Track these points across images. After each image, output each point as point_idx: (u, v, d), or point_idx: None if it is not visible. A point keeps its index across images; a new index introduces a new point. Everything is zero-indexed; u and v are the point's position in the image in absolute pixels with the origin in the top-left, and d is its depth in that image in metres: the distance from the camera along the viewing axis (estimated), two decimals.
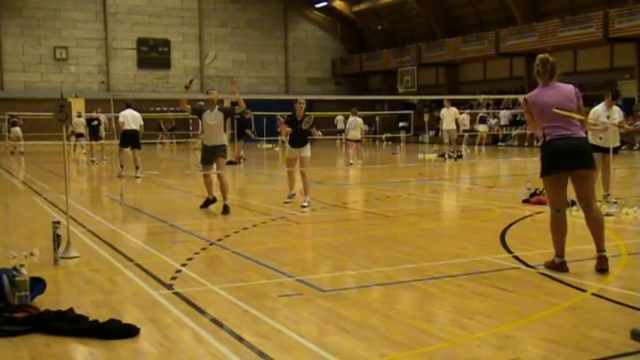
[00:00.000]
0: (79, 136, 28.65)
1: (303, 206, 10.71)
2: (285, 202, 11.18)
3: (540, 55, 6.22)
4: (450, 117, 22.28)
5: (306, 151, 11.22)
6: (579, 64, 32.63)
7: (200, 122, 10.47)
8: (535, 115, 6.09)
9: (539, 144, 6.15)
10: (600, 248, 6.07)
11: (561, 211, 6.14)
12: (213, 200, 10.74)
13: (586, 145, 6.15)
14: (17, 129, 29.14)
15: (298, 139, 11.18)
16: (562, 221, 6.13)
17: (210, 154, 10.60)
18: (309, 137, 11.31)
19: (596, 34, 29.03)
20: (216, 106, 10.67)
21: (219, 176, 10.59)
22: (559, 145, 5.93)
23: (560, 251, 6.13)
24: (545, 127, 5.99)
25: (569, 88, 6.13)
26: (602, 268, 6.00)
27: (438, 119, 24.12)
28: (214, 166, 10.66)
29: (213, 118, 10.52)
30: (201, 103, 11.15)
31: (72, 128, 27.65)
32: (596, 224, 6.07)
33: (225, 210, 10.25)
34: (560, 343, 4.19)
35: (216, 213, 10.88)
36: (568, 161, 5.94)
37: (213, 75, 43.96)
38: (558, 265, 6.10)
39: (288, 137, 11.39)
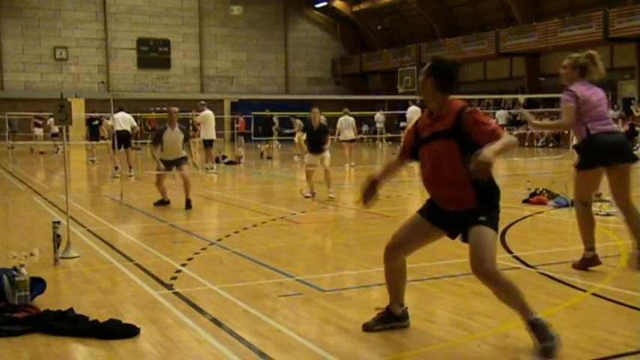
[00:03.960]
0: (54, 135, 29.65)
1: (331, 197, 11.78)
2: (306, 197, 11.99)
3: (591, 52, 6.32)
4: (416, 116, 21.83)
5: (327, 153, 12.16)
6: None
7: (161, 141, 10.97)
8: (581, 110, 5.98)
9: (580, 138, 6.08)
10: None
11: (588, 205, 6.22)
12: (168, 202, 11.15)
13: (625, 140, 6.27)
14: (39, 130, 29.68)
15: (317, 146, 12.06)
16: (591, 215, 6.24)
17: (173, 164, 11.04)
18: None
19: (596, 34, 29.01)
20: (177, 124, 11.04)
21: (183, 176, 10.95)
22: (605, 140, 5.97)
23: (590, 245, 6.16)
24: (589, 121, 5.97)
25: (601, 90, 6.24)
26: None
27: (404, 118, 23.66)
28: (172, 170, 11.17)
29: (174, 136, 10.91)
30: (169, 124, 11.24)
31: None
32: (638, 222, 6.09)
33: (188, 204, 10.69)
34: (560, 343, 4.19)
35: (216, 213, 10.88)
36: (612, 156, 5.99)
37: (213, 75, 43.96)
38: (590, 259, 6.14)
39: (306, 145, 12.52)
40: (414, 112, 21.72)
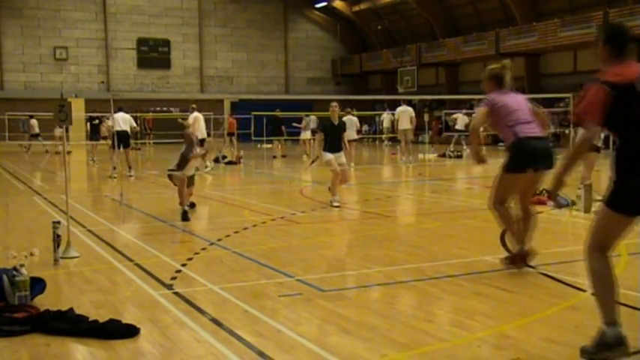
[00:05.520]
0: (35, 136, 29.68)
1: (336, 206, 10.73)
2: (336, 206, 10.76)
3: (505, 62, 6.44)
4: (405, 116, 21.58)
5: (343, 157, 11.24)
6: (579, 64, 32.60)
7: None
8: (501, 114, 6.11)
9: (509, 142, 6.10)
10: (522, 241, 6.23)
11: (505, 204, 6.28)
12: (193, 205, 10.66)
13: (551, 147, 6.29)
14: (58, 129, 29.46)
15: (336, 144, 11.09)
16: (509, 211, 6.28)
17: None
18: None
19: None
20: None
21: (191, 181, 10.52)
22: (533, 145, 6.04)
23: (520, 240, 6.22)
24: (513, 125, 6.04)
25: (521, 97, 6.39)
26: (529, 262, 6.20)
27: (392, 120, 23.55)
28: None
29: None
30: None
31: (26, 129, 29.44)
32: (534, 222, 6.32)
33: (192, 205, 10.49)
34: (560, 343, 4.19)
35: (216, 213, 10.87)
36: (539, 160, 6.06)
37: (213, 75, 43.96)
38: (520, 255, 6.19)
39: (322, 144, 11.26)
40: (401, 112, 21.81)
